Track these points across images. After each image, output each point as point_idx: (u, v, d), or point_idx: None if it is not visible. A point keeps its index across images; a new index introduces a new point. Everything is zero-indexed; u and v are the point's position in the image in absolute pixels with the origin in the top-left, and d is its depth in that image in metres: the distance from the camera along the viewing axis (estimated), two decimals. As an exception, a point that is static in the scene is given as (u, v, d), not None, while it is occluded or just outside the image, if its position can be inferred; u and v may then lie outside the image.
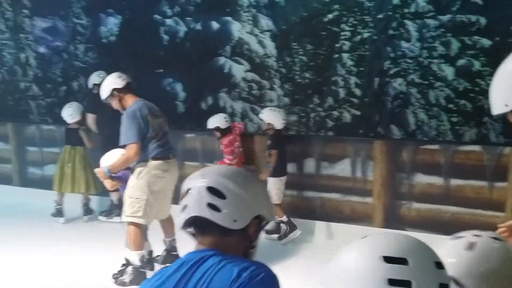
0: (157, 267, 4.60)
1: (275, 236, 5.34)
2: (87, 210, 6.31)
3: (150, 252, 4.53)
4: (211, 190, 1.50)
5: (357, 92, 5.23)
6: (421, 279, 1.17)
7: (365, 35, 5.12)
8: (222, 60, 5.80)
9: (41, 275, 4.62)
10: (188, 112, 6.09)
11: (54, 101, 6.77)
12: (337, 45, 5.24)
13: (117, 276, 4.41)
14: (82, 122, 6.18)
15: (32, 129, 7.13)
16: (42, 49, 6.86)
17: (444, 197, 4.97)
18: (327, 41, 5.29)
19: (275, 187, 5.24)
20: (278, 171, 5.28)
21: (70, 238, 5.67)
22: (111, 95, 4.40)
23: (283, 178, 5.33)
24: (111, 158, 4.37)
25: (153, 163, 4.31)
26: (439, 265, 1.22)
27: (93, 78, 6.10)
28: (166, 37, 6.07)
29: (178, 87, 6.11)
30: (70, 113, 6.13)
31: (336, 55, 5.25)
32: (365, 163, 5.29)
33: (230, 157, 5.54)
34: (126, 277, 4.32)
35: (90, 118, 6.15)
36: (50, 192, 6.32)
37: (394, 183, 5.16)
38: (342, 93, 5.29)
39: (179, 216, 1.57)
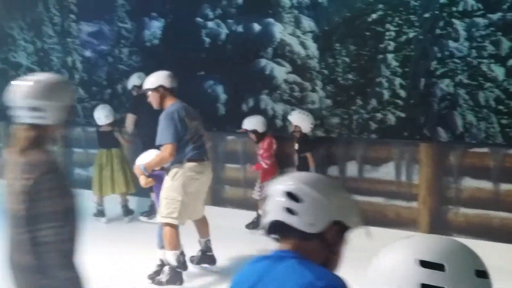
0: (192, 267, 4.61)
1: None
2: (127, 211, 6.41)
3: (181, 253, 4.53)
4: (288, 194, 1.54)
5: (402, 93, 5.10)
6: (457, 287, 1.12)
7: (411, 35, 4.98)
8: (263, 62, 5.78)
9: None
10: (229, 114, 6.09)
11: (99, 104, 6.90)
12: (381, 45, 5.12)
13: (154, 276, 4.45)
14: (113, 124, 6.27)
15: (78, 131, 7.30)
16: (88, 53, 7.03)
17: (493, 202, 4.77)
18: (371, 41, 5.19)
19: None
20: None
21: (110, 237, 5.77)
22: (156, 89, 4.41)
23: None
24: (146, 158, 4.44)
25: (188, 165, 4.34)
26: (481, 273, 1.16)
27: (133, 80, 6.22)
28: (207, 39, 6.10)
29: (219, 89, 6.13)
30: (106, 114, 6.20)
31: (381, 56, 5.14)
32: (410, 166, 5.14)
33: (268, 161, 5.51)
34: (163, 277, 4.37)
35: (130, 118, 6.23)
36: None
37: (441, 187, 5.00)
38: (386, 94, 5.16)
39: (262, 222, 1.64)
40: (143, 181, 4.47)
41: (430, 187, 5.05)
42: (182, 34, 6.29)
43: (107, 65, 6.88)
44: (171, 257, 4.33)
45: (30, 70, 7.49)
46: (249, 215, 5.81)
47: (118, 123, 6.32)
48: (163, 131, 4.26)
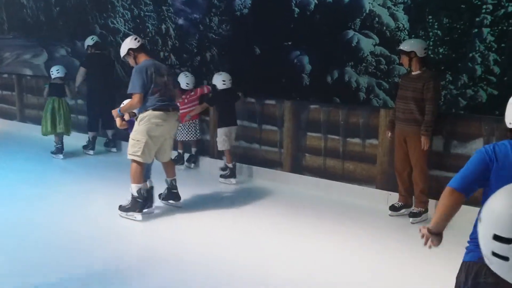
0: (158, 202, 5.53)
1: (233, 180, 6.43)
2: (61, 149, 7.70)
3: (151, 188, 5.33)
4: (496, 237, 1.55)
5: (496, 70, 4.88)
6: None
7: (510, 9, 4.72)
8: (350, 33, 5.73)
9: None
10: (313, 85, 6.13)
11: (189, 71, 7.19)
12: (477, 19, 4.91)
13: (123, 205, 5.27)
14: (63, 78, 7.69)
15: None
16: (180, 21, 7.30)
17: None
18: (467, 14, 4.98)
19: (219, 136, 6.41)
20: (222, 123, 6.43)
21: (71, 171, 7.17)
22: (127, 53, 5.22)
23: (227, 128, 6.40)
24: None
25: (153, 113, 5.08)
26: None
27: (87, 41, 7.81)
28: (297, 9, 6.13)
29: (305, 60, 6.17)
30: (57, 69, 7.69)
31: (475, 30, 4.93)
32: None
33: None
34: (125, 203, 5.20)
35: (81, 71, 7.75)
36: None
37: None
38: (479, 70, 4.96)
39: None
40: (118, 123, 5.26)
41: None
42: (271, 4, 6.36)
43: (198, 33, 7.11)
44: (134, 189, 5.10)
45: (127, 36, 7.91)
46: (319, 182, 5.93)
47: (67, 79, 7.74)
48: (133, 82, 5.06)
